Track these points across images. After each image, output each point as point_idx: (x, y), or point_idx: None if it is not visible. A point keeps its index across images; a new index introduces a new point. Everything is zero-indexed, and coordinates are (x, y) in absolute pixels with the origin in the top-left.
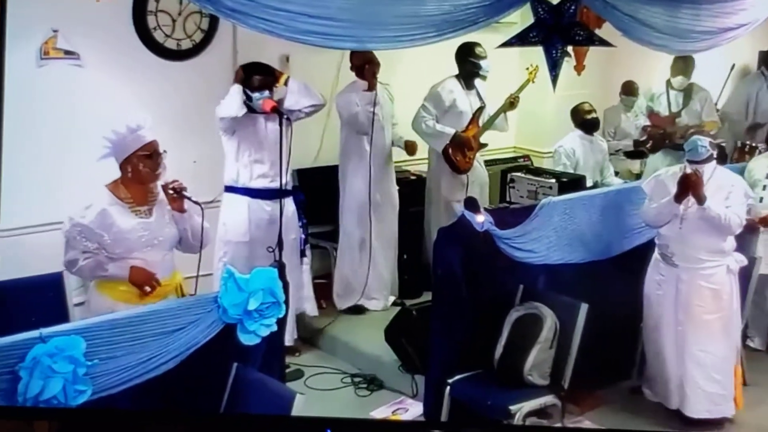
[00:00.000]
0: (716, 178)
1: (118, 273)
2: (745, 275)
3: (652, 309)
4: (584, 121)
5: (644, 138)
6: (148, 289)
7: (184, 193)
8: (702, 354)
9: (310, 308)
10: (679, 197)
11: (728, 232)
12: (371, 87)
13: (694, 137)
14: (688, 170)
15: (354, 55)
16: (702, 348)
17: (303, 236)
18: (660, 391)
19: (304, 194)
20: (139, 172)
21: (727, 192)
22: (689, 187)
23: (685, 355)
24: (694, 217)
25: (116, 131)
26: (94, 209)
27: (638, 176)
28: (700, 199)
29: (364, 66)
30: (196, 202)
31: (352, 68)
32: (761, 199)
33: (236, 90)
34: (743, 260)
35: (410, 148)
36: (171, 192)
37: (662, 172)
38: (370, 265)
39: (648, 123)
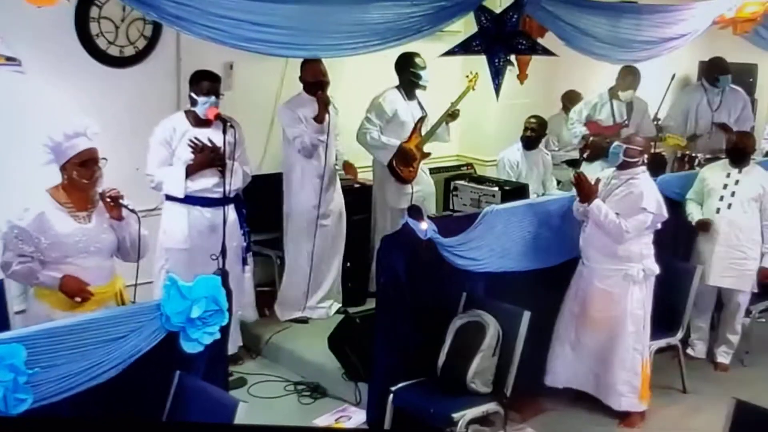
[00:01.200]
0: (628, 185)
1: (49, 282)
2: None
3: (563, 302)
4: (523, 136)
5: (582, 146)
6: (78, 299)
7: (121, 201)
8: (590, 342)
9: (250, 314)
10: (582, 199)
11: (611, 236)
12: (321, 118)
13: (614, 144)
14: (614, 178)
15: (305, 69)
16: (590, 339)
17: (245, 244)
18: (554, 378)
19: (247, 201)
20: (73, 179)
21: (624, 199)
22: (576, 185)
23: (567, 343)
24: (591, 219)
25: (52, 138)
26: (32, 212)
27: None
28: (586, 199)
29: (315, 87)
30: (133, 211)
31: (301, 80)
32: (718, 210)
33: (178, 173)
34: (654, 270)
35: (348, 169)
36: (108, 200)
37: (601, 174)
38: (311, 276)
39: (586, 131)
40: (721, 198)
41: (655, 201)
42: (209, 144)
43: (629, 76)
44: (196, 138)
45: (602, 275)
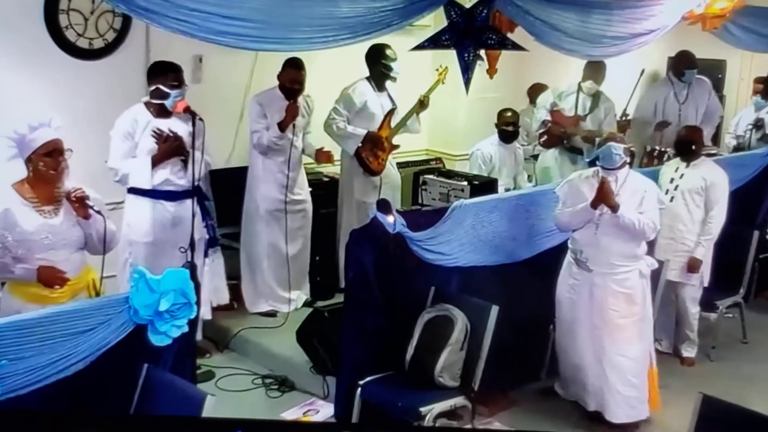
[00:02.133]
0: (629, 184)
1: (25, 275)
2: (653, 279)
3: (565, 312)
4: (501, 130)
5: (541, 131)
6: (57, 287)
7: (87, 202)
8: (620, 359)
9: (205, 311)
10: (595, 204)
11: (642, 238)
12: (285, 127)
13: (609, 144)
14: (603, 177)
15: (286, 71)
16: (620, 352)
17: (209, 236)
18: (577, 393)
19: (215, 195)
20: (39, 171)
21: (640, 198)
22: (603, 195)
23: (603, 361)
24: (608, 224)
25: (17, 131)
26: None
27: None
28: (614, 208)
29: (290, 92)
30: (98, 212)
31: (278, 77)
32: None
33: (144, 163)
34: (654, 264)
35: (321, 155)
36: (73, 200)
37: (575, 176)
38: (271, 269)
39: (548, 118)
40: (666, 192)
41: (660, 194)
42: (171, 134)
43: (590, 68)
44: (158, 129)
45: (619, 279)
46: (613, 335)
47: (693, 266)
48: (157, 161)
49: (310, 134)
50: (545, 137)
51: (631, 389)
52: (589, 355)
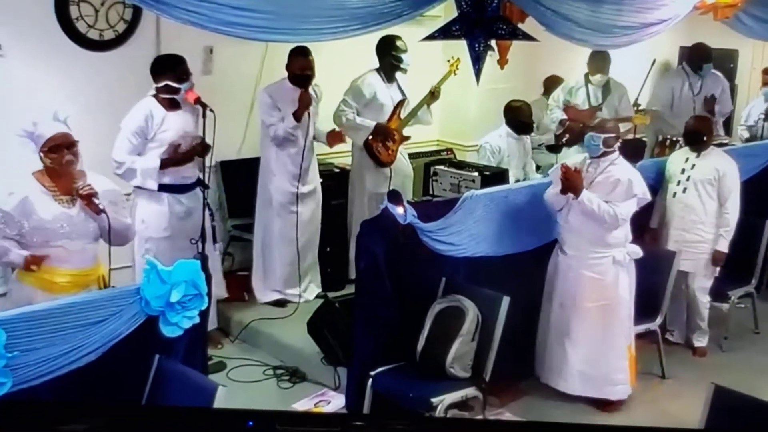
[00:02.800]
0: (610, 172)
1: (17, 262)
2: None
3: (547, 294)
4: (521, 123)
5: (560, 132)
6: (34, 268)
7: (94, 199)
8: (581, 339)
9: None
10: (563, 190)
11: (606, 225)
12: (299, 117)
13: (589, 134)
14: (587, 165)
15: (294, 60)
16: (578, 329)
17: (214, 224)
18: (544, 372)
19: (226, 186)
20: (47, 165)
21: (612, 186)
22: (564, 181)
23: (564, 339)
24: (576, 209)
25: (25, 129)
26: (16, 197)
27: None
28: (575, 192)
29: (301, 81)
30: (103, 211)
31: (287, 68)
32: (674, 194)
33: (153, 164)
34: (637, 252)
35: (333, 138)
36: (81, 196)
37: (569, 161)
38: (282, 260)
39: (564, 116)
40: (678, 183)
41: (641, 185)
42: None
43: (596, 60)
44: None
45: (590, 263)
46: (576, 315)
47: (718, 259)
48: (165, 165)
49: (318, 120)
50: (566, 136)
51: (585, 365)
52: (552, 333)
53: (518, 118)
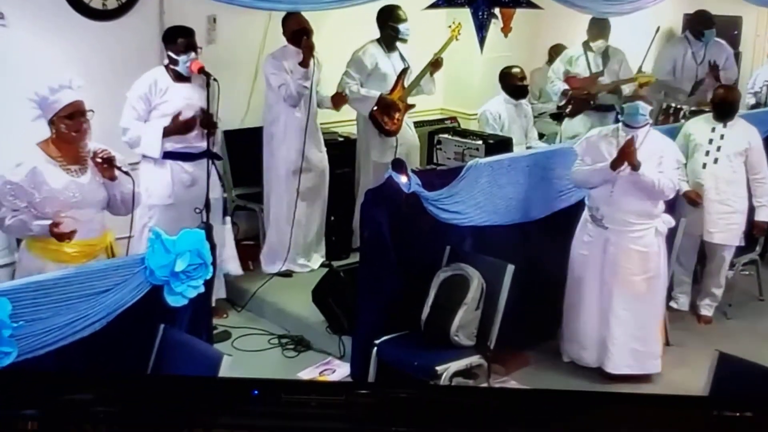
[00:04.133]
0: (648, 143)
1: (42, 231)
2: (669, 237)
3: (576, 269)
4: (515, 87)
5: (563, 102)
6: (67, 240)
7: (115, 162)
8: (626, 313)
9: (234, 268)
10: (615, 164)
11: (661, 197)
12: (307, 63)
13: (637, 103)
14: (623, 135)
15: (287, 21)
16: (626, 307)
17: (224, 196)
18: (576, 352)
19: (230, 156)
20: (62, 132)
21: (659, 157)
22: (626, 155)
23: (609, 314)
24: (625, 182)
25: (38, 93)
26: (25, 167)
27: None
28: (635, 167)
29: (299, 35)
30: (126, 173)
31: (284, 33)
32: (704, 165)
33: (156, 132)
34: (671, 221)
35: (337, 101)
36: (99, 161)
37: (594, 133)
38: (293, 230)
39: (566, 87)
40: (707, 153)
41: (679, 153)
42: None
43: (597, 27)
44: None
45: (634, 237)
46: (621, 291)
47: (760, 229)
48: (167, 134)
49: (320, 88)
50: (569, 106)
51: (635, 342)
52: (594, 312)
53: (512, 82)
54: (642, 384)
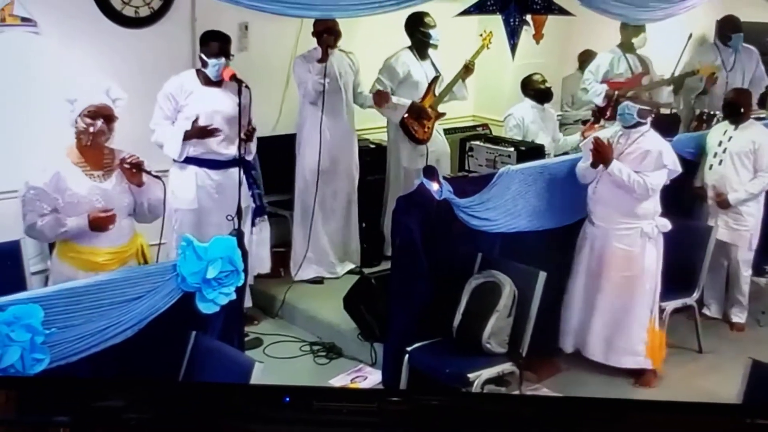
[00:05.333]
0: (639, 143)
1: (78, 227)
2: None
3: (574, 263)
4: (538, 90)
5: (605, 104)
6: (111, 226)
7: (144, 167)
8: (607, 306)
9: (264, 267)
10: (594, 163)
11: (636, 196)
12: (324, 58)
13: (625, 103)
14: (620, 135)
15: (317, 21)
16: (605, 300)
17: (255, 205)
18: (567, 338)
19: (261, 162)
20: (82, 131)
21: (642, 157)
22: (593, 152)
23: (592, 307)
24: (606, 179)
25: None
26: (48, 172)
27: None
28: (605, 163)
29: (323, 35)
30: (157, 177)
31: (313, 34)
32: (710, 167)
33: (177, 134)
34: (666, 225)
35: (379, 99)
36: (127, 167)
37: (601, 133)
38: (310, 234)
39: (606, 87)
40: (715, 155)
41: (671, 156)
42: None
43: (630, 27)
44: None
45: (618, 235)
46: (603, 286)
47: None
48: (187, 137)
49: (362, 93)
50: (610, 110)
51: (610, 332)
52: (578, 301)
53: (534, 87)
54: (672, 390)
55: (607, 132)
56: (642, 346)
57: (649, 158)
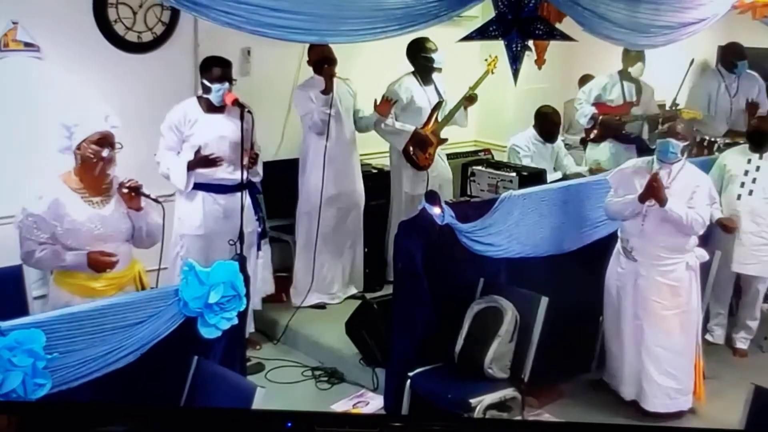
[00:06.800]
0: (681, 178)
1: (76, 261)
2: (704, 270)
3: (611, 301)
4: (548, 131)
5: (590, 126)
6: (108, 270)
7: (143, 191)
8: (658, 350)
9: (256, 302)
10: (643, 198)
11: (690, 233)
12: (328, 90)
13: (668, 141)
14: (656, 169)
15: (311, 50)
16: (658, 344)
17: (259, 229)
18: (617, 384)
19: (264, 187)
20: (87, 158)
21: (691, 192)
22: (652, 189)
23: (641, 350)
24: (656, 216)
25: (66, 122)
26: (46, 199)
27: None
28: (662, 202)
29: (321, 64)
30: (156, 200)
31: (309, 63)
32: (739, 197)
33: (181, 165)
34: (704, 255)
35: (382, 108)
36: (126, 191)
37: (629, 165)
38: (314, 261)
39: (594, 111)
40: (742, 185)
41: (714, 189)
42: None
43: (631, 53)
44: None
45: (663, 270)
46: (654, 326)
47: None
48: (191, 167)
49: (364, 118)
50: (595, 132)
51: (669, 380)
52: (629, 344)
53: (545, 125)
54: (675, 419)
55: (638, 163)
56: (691, 382)
57: (699, 193)
